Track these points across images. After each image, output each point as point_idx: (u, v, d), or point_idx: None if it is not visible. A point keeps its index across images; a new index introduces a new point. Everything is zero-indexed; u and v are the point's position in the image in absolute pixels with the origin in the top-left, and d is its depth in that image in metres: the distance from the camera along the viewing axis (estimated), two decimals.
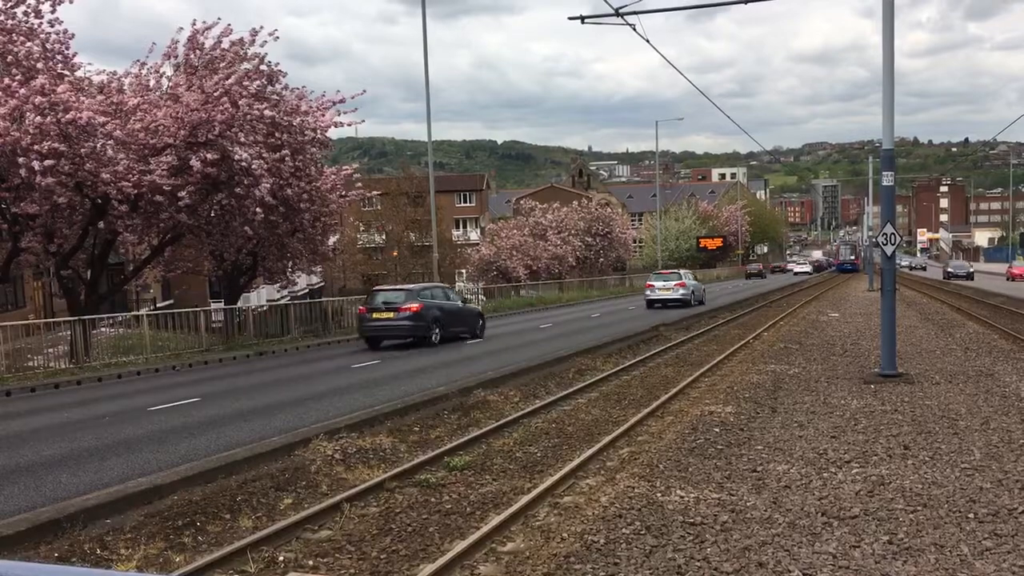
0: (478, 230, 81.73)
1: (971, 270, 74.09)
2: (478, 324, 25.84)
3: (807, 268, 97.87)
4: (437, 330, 23.32)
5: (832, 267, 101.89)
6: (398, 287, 26.17)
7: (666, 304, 37.14)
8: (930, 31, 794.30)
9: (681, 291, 37.30)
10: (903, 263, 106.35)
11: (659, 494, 8.13)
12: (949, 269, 74.10)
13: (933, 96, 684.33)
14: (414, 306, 22.83)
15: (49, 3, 20.18)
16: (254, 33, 22.72)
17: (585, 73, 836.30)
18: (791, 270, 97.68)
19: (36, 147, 18.28)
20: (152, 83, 22.50)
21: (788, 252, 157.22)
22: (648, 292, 38.48)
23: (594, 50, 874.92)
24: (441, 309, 23.96)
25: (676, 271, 41.48)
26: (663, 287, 37.96)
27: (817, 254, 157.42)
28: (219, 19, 22.63)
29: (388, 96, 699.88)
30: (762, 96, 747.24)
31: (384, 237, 67.44)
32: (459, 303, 26.21)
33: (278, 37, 23.15)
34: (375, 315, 22.95)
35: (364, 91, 25.89)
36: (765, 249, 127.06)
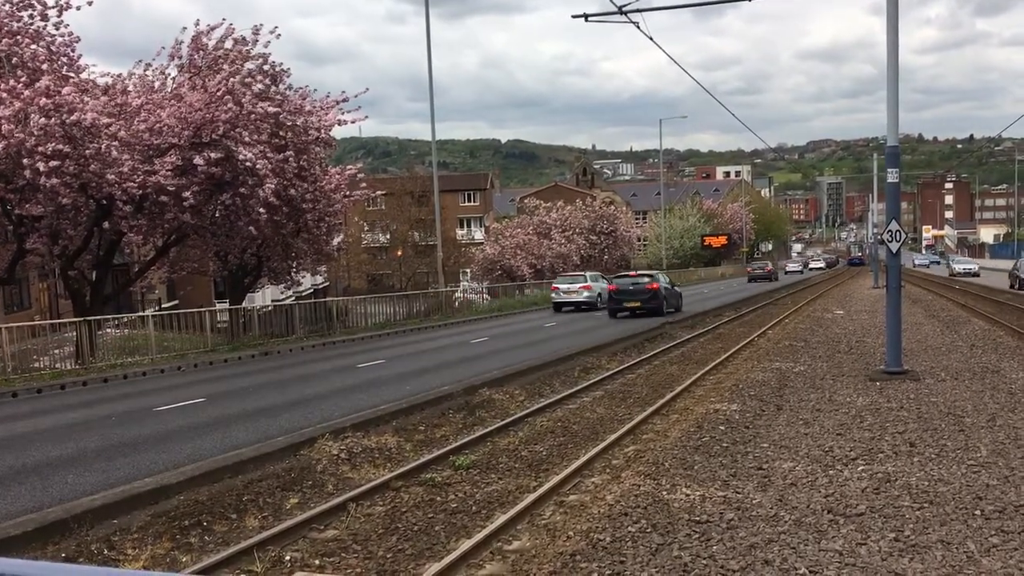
0: (482, 229, 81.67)
1: None
2: (776, 275, 62.95)
3: (821, 264, 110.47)
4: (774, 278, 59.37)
5: (831, 265, 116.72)
6: (761, 260, 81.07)
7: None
8: (938, 28, 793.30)
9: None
10: (960, 267, 73.70)
11: (665, 492, 8.13)
12: None
13: (940, 93, 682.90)
14: (769, 267, 69.69)
15: (56, 8, 20.24)
16: (256, 31, 22.72)
17: (593, 72, 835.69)
18: (809, 266, 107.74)
19: (40, 148, 18.31)
20: (156, 84, 22.54)
21: (793, 250, 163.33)
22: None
23: (602, 49, 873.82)
24: (772, 267, 67.08)
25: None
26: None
27: (798, 247, 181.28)
28: (224, 20, 22.64)
29: (395, 96, 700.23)
30: (769, 94, 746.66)
31: (388, 236, 67.51)
32: (771, 266, 65.24)
33: (280, 35, 23.14)
34: (755, 271, 67.63)
35: (367, 89, 25.90)
36: (770, 247, 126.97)
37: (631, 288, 31.23)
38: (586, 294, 36.21)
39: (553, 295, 37.49)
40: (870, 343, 20.02)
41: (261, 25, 22.74)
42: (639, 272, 35.02)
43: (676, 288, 33.87)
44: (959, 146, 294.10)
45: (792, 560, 6.24)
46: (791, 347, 19.94)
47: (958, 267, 73.93)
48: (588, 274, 39.27)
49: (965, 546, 6.43)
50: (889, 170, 15.02)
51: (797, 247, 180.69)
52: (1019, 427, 10.49)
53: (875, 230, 67.06)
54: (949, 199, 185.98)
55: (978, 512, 7.22)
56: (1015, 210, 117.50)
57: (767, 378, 15.18)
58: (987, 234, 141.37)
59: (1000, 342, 19.74)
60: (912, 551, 6.36)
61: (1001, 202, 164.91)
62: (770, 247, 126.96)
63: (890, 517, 7.17)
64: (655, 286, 30.91)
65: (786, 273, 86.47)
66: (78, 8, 20.51)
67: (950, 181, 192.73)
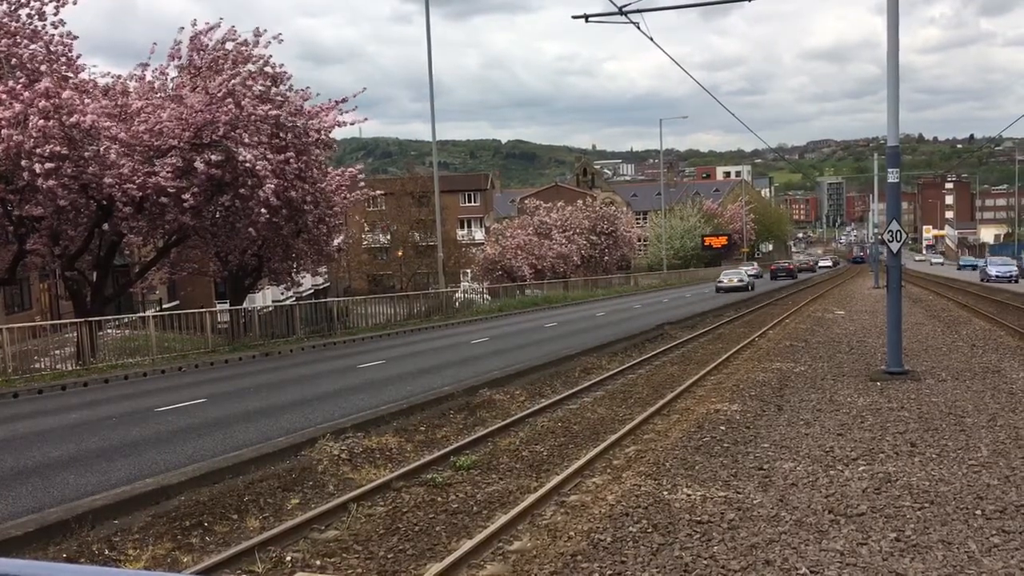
0: (483, 230, 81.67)
1: None
2: (796, 273, 77.68)
3: (828, 263, 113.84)
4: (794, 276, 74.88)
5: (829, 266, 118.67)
6: (784, 259, 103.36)
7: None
8: (942, 27, 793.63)
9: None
10: None
11: (666, 492, 8.13)
12: None
13: (943, 93, 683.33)
14: (791, 265, 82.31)
15: (53, 5, 20.21)
16: (258, 35, 22.71)
17: (597, 72, 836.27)
18: (819, 264, 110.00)
19: (39, 150, 18.30)
20: (156, 85, 22.52)
21: (794, 251, 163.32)
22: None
23: (606, 49, 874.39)
24: (793, 266, 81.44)
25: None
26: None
27: (793, 248, 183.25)
28: (221, 20, 22.60)
29: (399, 96, 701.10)
30: (772, 94, 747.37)
31: (389, 237, 67.48)
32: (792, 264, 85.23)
33: (283, 40, 23.14)
34: (778, 269, 75.89)
35: (364, 89, 25.85)
36: (770, 247, 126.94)
37: (782, 267, 74.16)
38: (751, 274, 63.74)
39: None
40: (871, 343, 20.02)
41: (265, 30, 22.74)
42: (785, 261, 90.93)
43: (795, 268, 76.28)
44: (959, 146, 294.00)
45: (793, 560, 6.24)
46: (792, 347, 19.94)
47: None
48: (749, 265, 73.09)
49: (966, 546, 6.43)
50: (890, 170, 15.03)
51: (794, 248, 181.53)
52: (1020, 427, 10.49)
53: (876, 230, 67.87)
54: (950, 199, 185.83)
55: (979, 512, 7.22)
56: (1015, 210, 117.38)
57: (768, 378, 15.18)
58: (987, 234, 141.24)
59: (1001, 342, 19.74)
60: (913, 551, 6.36)
61: (1001, 202, 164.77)
62: (771, 247, 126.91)
63: (891, 517, 7.17)
64: (792, 267, 75.94)
65: (820, 267, 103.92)
66: (75, 2, 20.46)
67: (950, 181, 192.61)
